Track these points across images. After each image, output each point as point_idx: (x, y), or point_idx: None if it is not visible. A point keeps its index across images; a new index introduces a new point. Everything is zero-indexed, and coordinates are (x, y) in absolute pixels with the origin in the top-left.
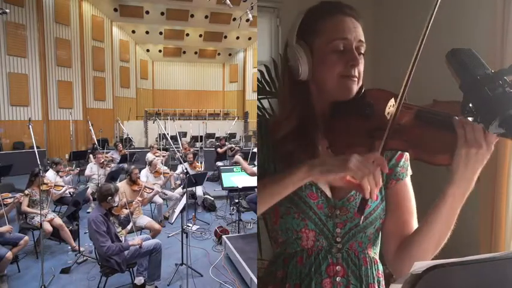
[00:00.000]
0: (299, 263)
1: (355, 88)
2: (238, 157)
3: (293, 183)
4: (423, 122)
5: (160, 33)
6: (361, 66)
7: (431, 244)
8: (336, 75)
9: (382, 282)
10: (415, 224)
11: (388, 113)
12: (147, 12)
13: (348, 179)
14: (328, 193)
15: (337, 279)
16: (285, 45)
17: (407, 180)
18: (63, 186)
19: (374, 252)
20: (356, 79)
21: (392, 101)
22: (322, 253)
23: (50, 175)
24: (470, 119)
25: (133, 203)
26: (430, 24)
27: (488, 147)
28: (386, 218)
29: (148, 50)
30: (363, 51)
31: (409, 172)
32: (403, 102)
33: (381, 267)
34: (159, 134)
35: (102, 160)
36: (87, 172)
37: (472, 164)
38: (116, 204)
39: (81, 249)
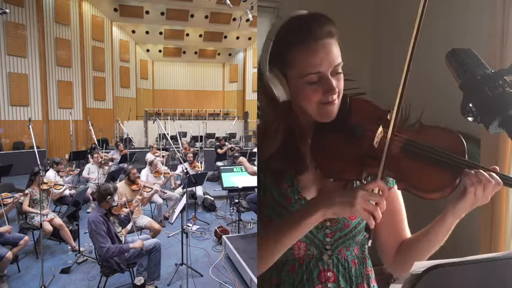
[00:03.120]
0: (291, 271)
1: (336, 110)
2: (242, 158)
3: (308, 226)
4: (411, 156)
5: (160, 33)
6: (341, 83)
7: (427, 252)
8: (314, 103)
9: (372, 277)
10: (407, 229)
11: (377, 142)
12: (147, 12)
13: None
14: None
15: (329, 285)
16: (258, 71)
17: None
18: (62, 185)
19: (362, 251)
20: (336, 101)
21: (380, 129)
22: (313, 261)
23: (50, 175)
24: (470, 119)
25: (133, 201)
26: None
27: (488, 199)
28: (381, 227)
29: (148, 50)
30: (340, 71)
31: None
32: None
33: (369, 263)
34: (159, 134)
35: (100, 159)
36: (84, 174)
37: (475, 206)
38: (115, 204)
39: (81, 249)
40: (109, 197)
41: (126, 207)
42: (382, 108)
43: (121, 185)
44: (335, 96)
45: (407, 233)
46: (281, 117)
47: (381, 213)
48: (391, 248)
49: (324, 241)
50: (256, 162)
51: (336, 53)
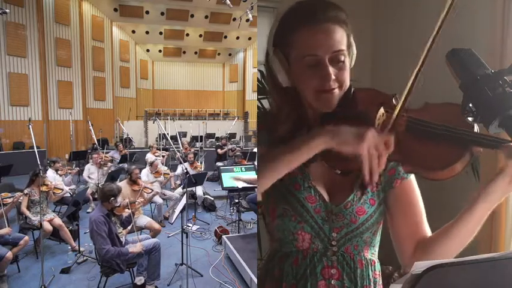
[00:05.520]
0: (294, 264)
1: (335, 100)
2: (238, 177)
3: (309, 151)
4: (416, 134)
5: (160, 33)
6: (343, 73)
7: (452, 250)
8: (312, 90)
9: (379, 282)
10: (426, 225)
11: (378, 124)
12: (147, 12)
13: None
14: (326, 197)
15: (332, 281)
16: (265, 53)
17: (413, 178)
18: (62, 190)
19: (371, 253)
20: (335, 90)
21: (382, 110)
22: (317, 255)
23: (50, 174)
24: (470, 118)
25: (136, 203)
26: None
27: None
28: (396, 221)
29: (148, 50)
30: (342, 59)
31: None
32: (394, 109)
33: (378, 267)
34: (159, 134)
35: (99, 160)
36: (84, 175)
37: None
38: (118, 205)
39: (81, 249)
40: (112, 198)
41: (129, 209)
42: (386, 93)
43: (122, 184)
44: (333, 84)
45: (427, 228)
46: (289, 104)
47: (378, 168)
48: (410, 243)
49: (330, 236)
50: (256, 162)
51: (337, 38)
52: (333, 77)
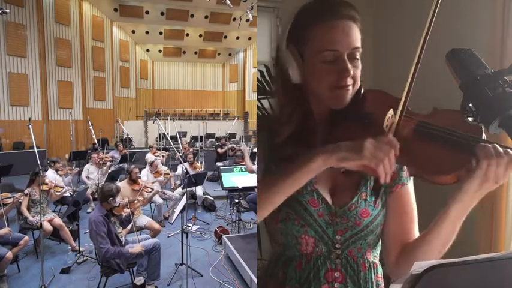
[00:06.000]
0: (298, 268)
1: (349, 97)
2: (245, 147)
3: (309, 174)
4: (424, 137)
5: (160, 33)
6: (358, 71)
7: (434, 253)
8: (327, 86)
9: (382, 285)
10: (416, 231)
11: (387, 126)
12: (147, 12)
13: (363, 164)
14: (329, 200)
15: (336, 285)
16: (276, 49)
17: (411, 185)
18: (62, 188)
19: (374, 256)
20: (350, 87)
21: (391, 112)
22: (321, 259)
23: (50, 174)
24: (470, 118)
25: (135, 202)
26: (427, 37)
27: (504, 181)
28: (389, 223)
29: (148, 50)
30: (358, 57)
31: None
32: (403, 111)
33: (380, 270)
34: (159, 134)
35: (98, 160)
36: (83, 175)
37: (484, 191)
38: (117, 205)
39: (81, 249)
40: (111, 198)
41: (128, 208)
42: (394, 96)
43: (122, 184)
44: (349, 81)
45: (416, 236)
46: (294, 102)
47: (390, 167)
48: (396, 247)
49: (334, 239)
50: (256, 162)
51: (354, 36)
52: (351, 73)
